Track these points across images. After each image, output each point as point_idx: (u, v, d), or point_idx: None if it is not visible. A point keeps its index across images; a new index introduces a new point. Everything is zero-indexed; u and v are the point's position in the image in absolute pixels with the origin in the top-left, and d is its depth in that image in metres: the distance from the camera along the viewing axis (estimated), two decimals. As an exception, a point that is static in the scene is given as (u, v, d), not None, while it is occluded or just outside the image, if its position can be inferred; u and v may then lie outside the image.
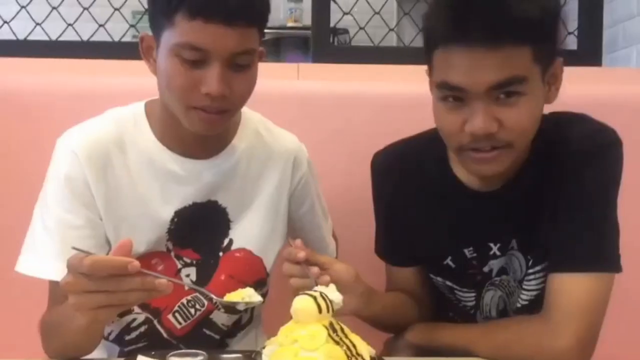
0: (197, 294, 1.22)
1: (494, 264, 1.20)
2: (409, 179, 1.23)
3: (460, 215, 1.19)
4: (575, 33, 2.06)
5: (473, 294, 1.25)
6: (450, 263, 1.22)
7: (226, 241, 1.24)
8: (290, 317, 0.91)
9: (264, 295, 1.30)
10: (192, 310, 1.23)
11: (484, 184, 1.17)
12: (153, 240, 1.18)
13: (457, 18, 1.04)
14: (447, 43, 1.04)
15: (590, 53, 2.02)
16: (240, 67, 1.08)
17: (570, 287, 1.07)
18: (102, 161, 1.16)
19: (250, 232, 1.24)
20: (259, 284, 1.26)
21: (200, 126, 1.11)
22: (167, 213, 1.18)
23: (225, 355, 1.05)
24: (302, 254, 1.07)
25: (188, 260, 1.22)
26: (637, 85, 1.73)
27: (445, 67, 1.05)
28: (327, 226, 1.41)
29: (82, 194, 1.14)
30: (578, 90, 1.66)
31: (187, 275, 1.22)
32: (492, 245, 1.19)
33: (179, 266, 1.22)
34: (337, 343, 0.87)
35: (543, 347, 1.07)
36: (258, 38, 1.10)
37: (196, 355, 0.93)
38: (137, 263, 0.87)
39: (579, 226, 1.09)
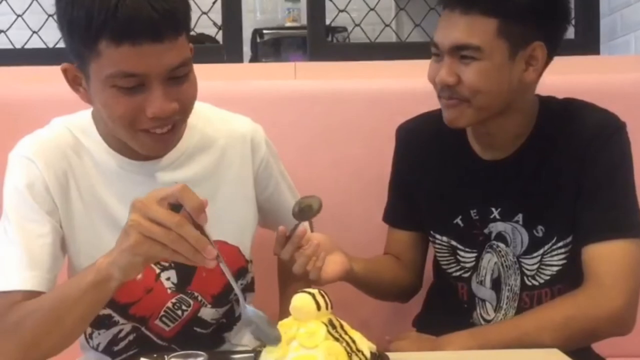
0: (182, 295, 1.20)
1: (493, 227, 1.30)
2: (428, 146, 1.36)
3: (470, 180, 1.32)
4: (573, 22, 2.06)
5: (474, 254, 1.33)
6: (460, 222, 1.33)
7: None
8: (283, 310, 0.91)
9: (249, 284, 1.29)
10: (179, 312, 1.21)
11: (494, 155, 1.29)
12: None
13: None
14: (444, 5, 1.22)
15: (588, 42, 2.02)
16: (180, 78, 1.04)
17: (610, 253, 1.17)
18: (61, 166, 1.13)
19: (221, 223, 1.18)
20: (241, 273, 1.25)
21: (151, 148, 1.09)
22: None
23: (225, 356, 1.05)
24: (281, 227, 1.13)
25: (166, 264, 1.19)
26: (636, 73, 1.73)
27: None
28: None
29: (45, 201, 1.11)
30: (576, 78, 1.67)
31: (168, 279, 1.19)
32: (493, 209, 1.29)
33: (157, 271, 1.19)
34: (337, 339, 0.87)
35: (602, 313, 1.14)
36: (188, 43, 1.06)
37: (197, 356, 0.93)
38: (206, 216, 0.92)
39: (606, 203, 1.20)
